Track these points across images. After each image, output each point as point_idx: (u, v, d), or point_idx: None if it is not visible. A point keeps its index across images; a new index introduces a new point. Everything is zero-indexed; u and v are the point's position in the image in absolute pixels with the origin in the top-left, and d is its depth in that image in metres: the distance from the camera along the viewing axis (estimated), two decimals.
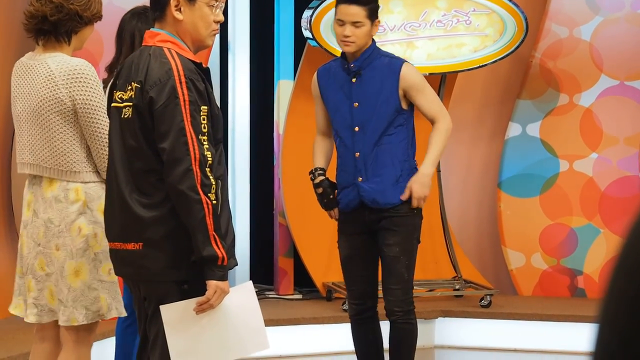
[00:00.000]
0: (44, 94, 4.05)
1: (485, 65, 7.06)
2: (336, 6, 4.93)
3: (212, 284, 3.48)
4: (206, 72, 3.63)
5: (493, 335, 6.86)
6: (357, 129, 4.89)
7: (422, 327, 5.67)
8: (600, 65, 7.34)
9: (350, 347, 5.18)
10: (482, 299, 6.98)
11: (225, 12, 3.72)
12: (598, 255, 7.33)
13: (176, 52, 3.57)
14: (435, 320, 6.87)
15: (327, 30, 6.70)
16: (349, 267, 5.01)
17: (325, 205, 5.01)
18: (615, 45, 7.32)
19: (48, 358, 4.25)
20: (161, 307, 3.54)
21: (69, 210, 4.04)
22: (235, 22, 7.42)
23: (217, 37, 3.81)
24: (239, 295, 3.66)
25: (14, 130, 4.31)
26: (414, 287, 5.14)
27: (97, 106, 4.02)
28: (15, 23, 5.96)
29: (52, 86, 4.04)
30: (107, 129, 3.83)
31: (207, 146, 3.48)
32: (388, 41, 6.79)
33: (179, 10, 3.60)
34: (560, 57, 7.39)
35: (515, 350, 6.82)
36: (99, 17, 4.21)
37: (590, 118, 7.37)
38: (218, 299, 3.50)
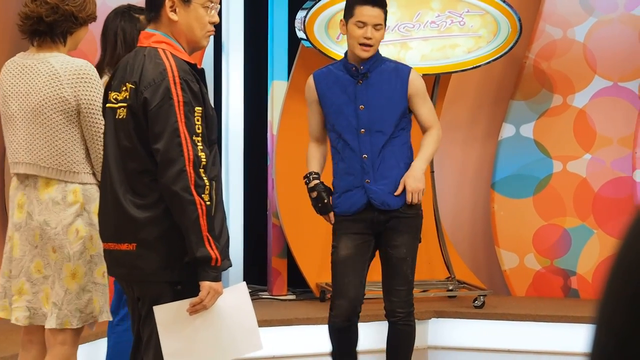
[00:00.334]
0: (47, 93, 4.03)
1: (479, 66, 7.06)
2: (353, 7, 4.87)
3: (205, 285, 3.47)
4: (201, 73, 3.62)
5: (486, 336, 6.86)
6: (363, 131, 4.88)
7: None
8: (594, 66, 7.35)
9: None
10: (475, 299, 6.99)
11: (219, 13, 3.71)
12: (591, 256, 7.34)
13: (171, 53, 3.56)
14: (428, 321, 6.87)
15: (321, 31, 6.70)
16: (346, 269, 4.93)
17: (320, 209, 4.98)
18: (609, 47, 7.32)
19: None
20: (154, 307, 3.53)
21: (66, 213, 4.03)
22: (230, 23, 7.42)
23: (212, 38, 3.80)
24: (233, 296, 3.65)
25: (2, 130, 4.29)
26: None
27: (99, 107, 4.01)
28: (8, 24, 5.94)
29: (57, 85, 4.02)
30: None
31: (201, 147, 3.48)
32: (382, 42, 6.77)
33: (174, 11, 3.60)
34: (554, 58, 7.39)
35: (508, 351, 6.82)
36: (94, 18, 4.21)
37: (583, 119, 7.37)
38: (211, 300, 3.50)
